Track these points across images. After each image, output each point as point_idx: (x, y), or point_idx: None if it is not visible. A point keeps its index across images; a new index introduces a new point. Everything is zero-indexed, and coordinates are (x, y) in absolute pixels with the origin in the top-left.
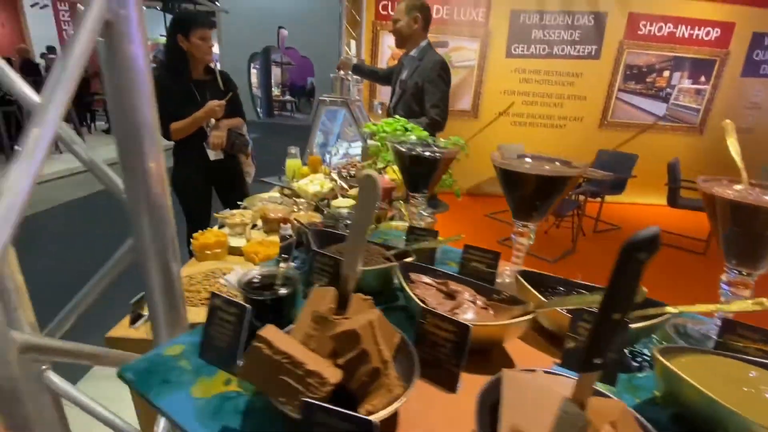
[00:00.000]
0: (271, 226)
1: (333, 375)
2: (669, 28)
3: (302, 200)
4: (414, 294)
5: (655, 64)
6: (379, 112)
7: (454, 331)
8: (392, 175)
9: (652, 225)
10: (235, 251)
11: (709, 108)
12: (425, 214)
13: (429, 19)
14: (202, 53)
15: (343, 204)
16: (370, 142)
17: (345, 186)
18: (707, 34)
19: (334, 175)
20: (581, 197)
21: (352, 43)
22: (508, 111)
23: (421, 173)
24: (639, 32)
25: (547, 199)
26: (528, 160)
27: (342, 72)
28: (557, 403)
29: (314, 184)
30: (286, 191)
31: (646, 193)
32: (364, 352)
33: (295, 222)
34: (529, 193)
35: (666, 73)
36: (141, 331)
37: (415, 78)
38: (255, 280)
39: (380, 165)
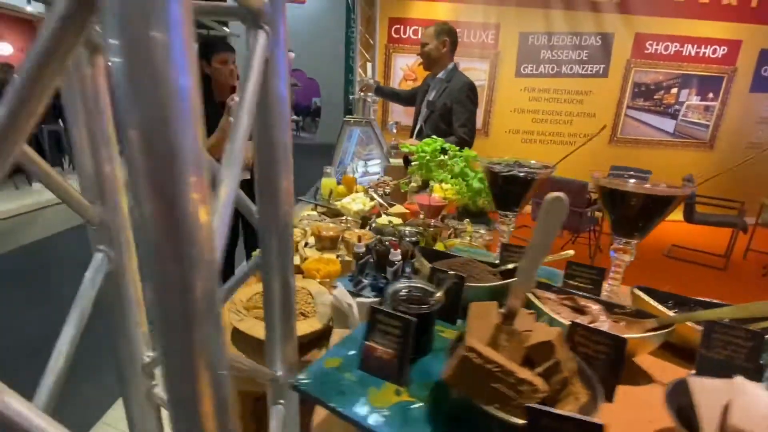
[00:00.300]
0: (323, 243)
1: (541, 383)
2: (676, 47)
3: (350, 218)
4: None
5: (663, 81)
6: (394, 131)
7: (608, 344)
8: (440, 192)
9: (670, 241)
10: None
11: (719, 124)
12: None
13: (456, 42)
14: (224, 77)
15: (387, 222)
16: (392, 160)
17: (385, 204)
18: (714, 51)
19: (373, 194)
20: (598, 213)
21: (368, 65)
22: (518, 129)
23: (514, 192)
24: (646, 51)
25: (651, 218)
26: (631, 180)
27: (363, 93)
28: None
29: (356, 202)
30: (320, 209)
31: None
32: (557, 362)
33: (365, 237)
34: (634, 211)
35: (674, 90)
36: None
37: (443, 99)
38: (401, 294)
39: (414, 184)
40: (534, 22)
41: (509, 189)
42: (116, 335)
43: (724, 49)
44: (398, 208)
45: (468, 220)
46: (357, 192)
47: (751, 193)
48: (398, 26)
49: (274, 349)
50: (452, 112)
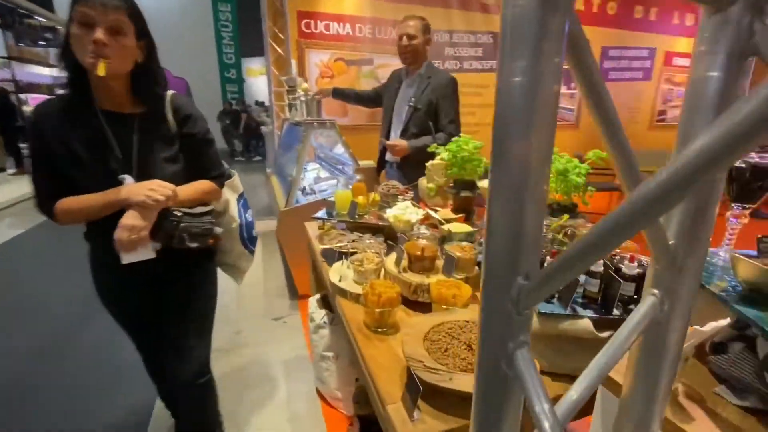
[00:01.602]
0: (423, 264)
1: None
2: None
3: (428, 233)
4: None
5: None
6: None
7: None
8: None
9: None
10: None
11: (581, 107)
12: None
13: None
14: (84, 52)
15: (460, 229)
16: (361, 162)
17: (433, 213)
18: None
19: (411, 202)
20: None
21: (293, 63)
22: None
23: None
24: None
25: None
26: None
27: (318, 96)
28: None
29: (407, 213)
30: (326, 226)
31: None
32: None
33: None
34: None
35: None
36: None
37: (428, 95)
38: None
39: (432, 185)
40: (438, 20)
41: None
42: None
43: None
44: (446, 213)
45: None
46: (373, 199)
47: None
48: (308, 20)
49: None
50: (439, 109)
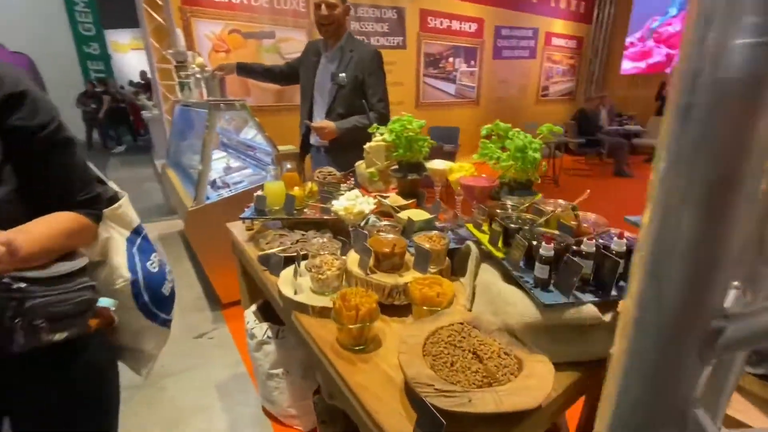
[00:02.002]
0: (392, 262)
1: None
2: (448, 22)
3: (394, 223)
4: None
5: (443, 51)
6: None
7: None
8: (487, 171)
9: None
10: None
11: (480, 85)
12: None
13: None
14: None
15: (419, 217)
16: (281, 147)
17: (383, 199)
18: (470, 27)
19: (357, 191)
20: None
21: (179, 33)
22: None
23: None
24: (429, 25)
25: None
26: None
27: (220, 73)
28: None
29: (359, 203)
30: (256, 225)
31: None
32: None
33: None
34: None
35: (451, 59)
36: None
37: (352, 71)
38: None
39: (372, 169)
40: None
41: None
42: None
43: (475, 25)
44: (396, 199)
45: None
46: (310, 189)
47: None
48: None
49: None
50: (366, 86)
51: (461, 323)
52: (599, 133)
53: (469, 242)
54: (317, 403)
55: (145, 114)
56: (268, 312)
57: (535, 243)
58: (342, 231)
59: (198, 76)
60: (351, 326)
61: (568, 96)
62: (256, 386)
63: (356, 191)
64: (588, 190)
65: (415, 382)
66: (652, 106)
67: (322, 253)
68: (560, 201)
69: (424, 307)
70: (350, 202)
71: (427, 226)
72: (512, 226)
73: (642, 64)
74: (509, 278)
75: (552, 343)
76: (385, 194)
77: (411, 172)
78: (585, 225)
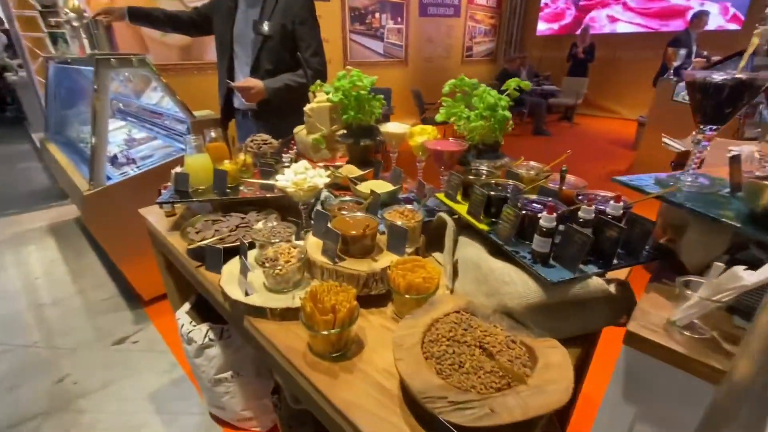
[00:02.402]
0: (363, 245)
1: None
2: None
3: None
4: None
5: (369, 6)
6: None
7: None
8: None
9: None
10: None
11: (408, 44)
12: None
13: None
14: None
15: (382, 188)
16: (313, 106)
17: (334, 170)
18: None
19: (305, 162)
20: None
21: None
22: None
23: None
24: None
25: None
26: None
27: (104, 18)
28: None
29: (310, 176)
30: (173, 210)
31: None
32: None
33: None
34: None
35: (377, 15)
36: None
37: (278, 19)
38: None
39: (317, 135)
40: None
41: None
42: None
43: None
44: (351, 169)
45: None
46: (244, 161)
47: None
48: None
49: None
50: (297, 38)
51: (458, 312)
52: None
53: (441, 214)
54: (280, 409)
55: (9, 76)
56: (205, 309)
57: (524, 213)
58: (290, 210)
59: (74, 24)
60: (328, 332)
61: (490, 57)
62: (199, 389)
63: (305, 162)
64: (569, 150)
65: (425, 397)
66: (564, 67)
67: (273, 240)
68: (532, 163)
69: (408, 296)
70: (300, 176)
71: (393, 199)
72: (494, 194)
73: (555, 26)
74: (498, 253)
75: (552, 321)
76: (332, 164)
77: (363, 137)
78: (565, 188)
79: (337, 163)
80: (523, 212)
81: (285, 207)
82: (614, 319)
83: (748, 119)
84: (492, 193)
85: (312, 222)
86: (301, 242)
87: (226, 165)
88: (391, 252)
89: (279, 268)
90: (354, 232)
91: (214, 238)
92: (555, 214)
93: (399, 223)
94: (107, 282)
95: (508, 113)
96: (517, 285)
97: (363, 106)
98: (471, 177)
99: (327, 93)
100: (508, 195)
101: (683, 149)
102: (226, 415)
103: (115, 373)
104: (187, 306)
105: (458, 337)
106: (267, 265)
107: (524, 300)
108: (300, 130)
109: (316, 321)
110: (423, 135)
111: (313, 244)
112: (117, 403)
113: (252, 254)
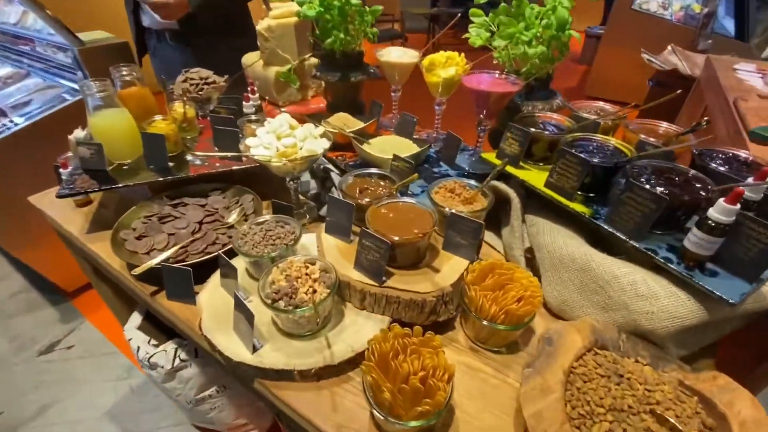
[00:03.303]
0: (414, 249)
1: None
2: None
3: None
4: None
5: None
6: None
7: None
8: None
9: None
10: None
11: None
12: None
13: None
14: None
15: (405, 149)
16: (271, 23)
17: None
18: None
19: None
20: None
21: None
22: None
23: None
24: None
25: None
26: None
27: None
28: None
29: (298, 138)
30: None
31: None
32: None
33: None
34: None
35: None
36: None
37: None
38: None
39: (280, 69)
40: None
41: None
42: None
43: None
44: (345, 119)
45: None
46: (184, 115)
47: None
48: None
49: None
50: None
51: (593, 351)
52: None
53: (497, 184)
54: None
55: None
56: (163, 323)
57: (670, 197)
58: (264, 183)
59: None
60: (416, 424)
61: None
62: None
63: (286, 116)
64: None
65: None
66: None
67: (271, 254)
68: (600, 104)
69: (502, 327)
70: (286, 140)
71: (417, 162)
72: (597, 162)
73: None
74: (599, 244)
75: (688, 336)
76: (305, 111)
77: (353, 70)
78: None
79: (308, 111)
80: (669, 197)
81: (256, 179)
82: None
83: (703, 30)
84: (594, 161)
85: (319, 211)
86: (308, 242)
87: (159, 124)
88: (453, 253)
89: (304, 308)
90: (409, 238)
91: (171, 251)
92: (737, 203)
93: (463, 211)
94: (10, 272)
95: (575, 32)
96: (662, 300)
97: (351, 19)
98: (535, 130)
99: (300, 4)
100: (619, 163)
101: (668, 68)
102: (215, 427)
103: (54, 392)
104: (137, 319)
105: (618, 402)
106: (284, 305)
107: (677, 323)
108: (254, 62)
109: (397, 413)
110: (450, 67)
111: (331, 247)
112: (65, 428)
113: (239, 266)
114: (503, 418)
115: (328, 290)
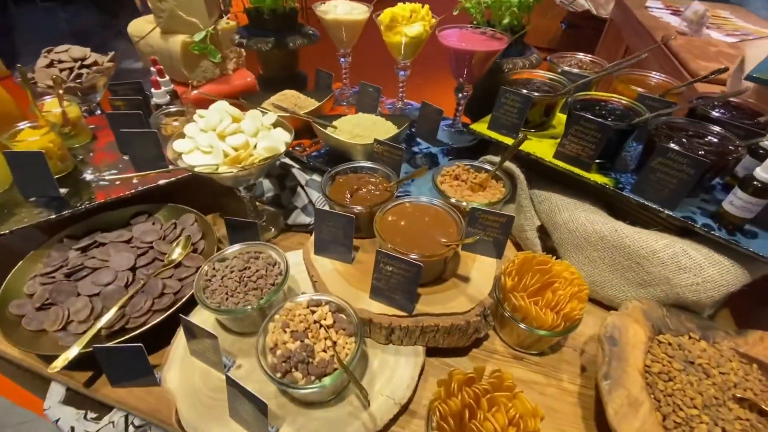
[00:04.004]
0: (451, 260)
1: None
2: None
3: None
4: None
5: None
6: None
7: None
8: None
9: None
10: None
11: None
12: None
13: None
14: None
15: (381, 129)
16: None
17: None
18: None
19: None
20: None
21: None
22: None
23: None
24: None
25: None
26: None
27: None
28: None
29: (246, 131)
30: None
31: None
32: None
33: None
34: None
35: None
36: None
37: None
38: None
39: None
40: None
41: None
42: None
43: None
44: (294, 97)
45: None
46: (63, 117)
47: None
48: None
49: None
50: None
51: (656, 341)
52: None
53: (492, 158)
54: None
55: None
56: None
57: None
58: (194, 195)
59: None
60: None
61: None
62: None
63: (222, 104)
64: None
65: None
66: None
67: (254, 294)
68: (580, 56)
69: (542, 332)
70: (236, 137)
71: (396, 141)
72: (611, 122)
73: None
74: (622, 215)
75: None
76: (231, 91)
77: (286, 33)
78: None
79: (233, 92)
80: (705, 157)
81: (188, 189)
82: None
83: None
84: (610, 121)
85: (287, 219)
86: (330, 297)
87: (29, 135)
88: (476, 252)
89: (332, 376)
90: (440, 252)
91: (103, 321)
92: None
93: (481, 203)
94: None
95: None
96: (707, 270)
97: None
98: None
99: None
100: (639, 122)
101: (580, 9)
102: None
103: None
104: (58, 392)
105: (705, 397)
106: (301, 377)
107: (723, 290)
108: (149, 31)
109: None
110: (414, 23)
111: (329, 273)
112: None
113: (205, 318)
114: (579, 428)
115: (352, 338)
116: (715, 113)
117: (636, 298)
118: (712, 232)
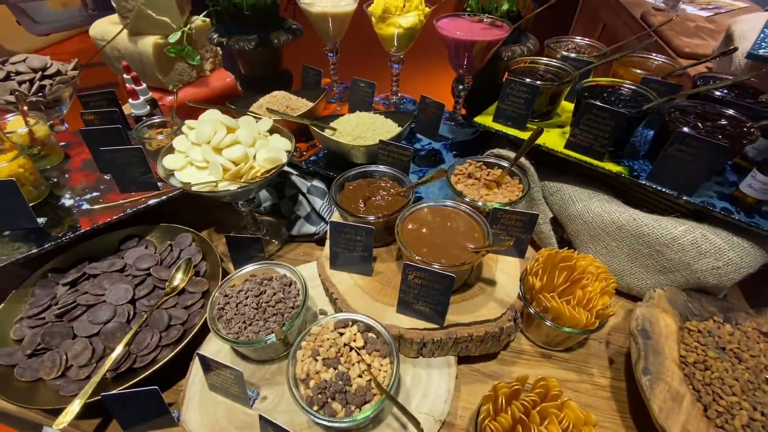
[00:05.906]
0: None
1: None
2: None
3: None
4: None
5: None
6: None
7: None
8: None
9: None
10: None
11: None
12: None
13: None
14: None
15: (383, 129)
16: None
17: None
18: None
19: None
20: None
21: None
22: None
23: None
24: None
25: None
26: None
27: None
28: None
29: (244, 141)
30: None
31: None
32: None
33: None
34: None
35: None
36: None
37: None
38: None
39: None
40: None
41: None
42: None
43: None
44: (284, 98)
45: None
46: (30, 137)
47: None
48: None
49: None
50: None
51: (686, 329)
52: None
53: (501, 151)
54: None
55: None
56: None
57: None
58: (185, 212)
59: None
60: None
61: None
62: None
63: (214, 114)
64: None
65: None
66: None
67: (274, 319)
68: (577, 39)
69: (575, 330)
70: (234, 150)
71: (399, 139)
72: (624, 110)
73: None
74: (633, 202)
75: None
76: (210, 94)
77: (269, 29)
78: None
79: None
80: (723, 141)
81: (179, 206)
82: None
83: None
84: (623, 108)
85: (291, 230)
86: (367, 331)
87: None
88: (499, 253)
89: (374, 407)
90: (470, 260)
91: (107, 366)
92: None
93: (501, 202)
94: None
95: None
96: (728, 254)
97: None
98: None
99: None
100: (651, 108)
101: None
102: None
103: None
104: None
105: (741, 383)
106: (341, 407)
107: (743, 272)
108: (116, 34)
109: None
110: (409, 13)
111: (350, 289)
112: None
113: (220, 347)
114: (617, 422)
115: (387, 359)
116: (717, 93)
117: (657, 286)
118: (732, 216)
